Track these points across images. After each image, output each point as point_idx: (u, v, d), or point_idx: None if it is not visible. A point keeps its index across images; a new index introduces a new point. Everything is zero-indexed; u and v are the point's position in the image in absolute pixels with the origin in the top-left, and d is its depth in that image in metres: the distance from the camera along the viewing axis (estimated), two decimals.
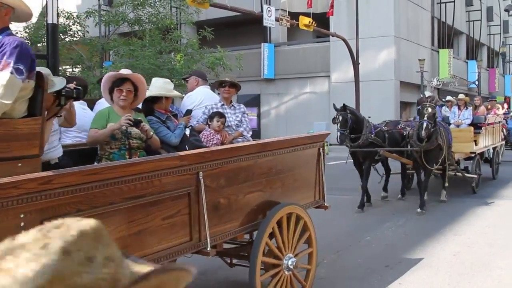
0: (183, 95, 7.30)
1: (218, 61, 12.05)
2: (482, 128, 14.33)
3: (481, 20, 46.23)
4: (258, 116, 38.25)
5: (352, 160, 11.99)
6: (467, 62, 45.79)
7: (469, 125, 14.04)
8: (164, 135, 5.48)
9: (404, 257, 8.08)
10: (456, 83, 39.91)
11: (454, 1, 39.71)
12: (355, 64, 27.71)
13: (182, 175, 4.21)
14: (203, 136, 6.19)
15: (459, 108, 14.45)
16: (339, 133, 11.05)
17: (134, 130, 4.96)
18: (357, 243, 8.80)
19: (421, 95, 14.55)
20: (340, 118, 10.92)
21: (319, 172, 6.25)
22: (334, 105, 11.38)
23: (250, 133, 6.59)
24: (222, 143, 6.09)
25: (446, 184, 12.52)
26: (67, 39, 12.05)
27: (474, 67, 44.25)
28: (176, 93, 6.09)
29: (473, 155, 13.70)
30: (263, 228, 4.98)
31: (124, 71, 5.64)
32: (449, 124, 14.08)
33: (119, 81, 5.18)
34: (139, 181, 3.85)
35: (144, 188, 3.88)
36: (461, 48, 45.99)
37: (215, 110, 6.49)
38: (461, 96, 14.95)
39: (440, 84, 37.84)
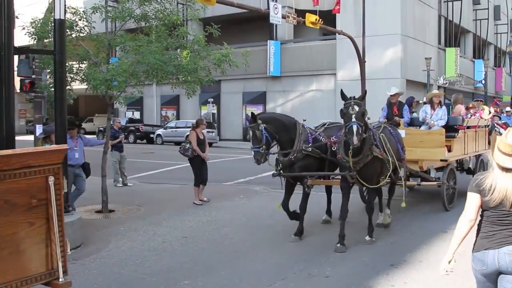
0: None
1: (224, 58, 12.01)
2: (459, 131, 11.79)
3: (488, 19, 46.04)
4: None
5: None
6: (473, 61, 45.63)
7: (444, 127, 11.46)
8: None
9: (409, 256, 8.06)
10: (463, 82, 39.78)
11: (461, 0, 39.54)
12: (361, 62, 27.63)
13: None
14: None
15: (432, 107, 11.78)
16: (253, 152, 8.68)
17: None
18: (362, 242, 8.77)
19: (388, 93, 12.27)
20: (251, 133, 8.67)
21: (50, 221, 3.60)
22: (252, 113, 8.91)
23: None
24: None
25: (388, 212, 10.04)
26: (73, 35, 12.03)
27: (480, 66, 44.08)
28: None
29: (445, 164, 11.31)
30: None
31: None
32: (420, 126, 11.96)
33: None
34: None
35: None
36: (468, 47, 45.82)
37: None
38: (434, 91, 12.33)
39: (446, 83, 37.72)
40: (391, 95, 12.02)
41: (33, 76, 11.94)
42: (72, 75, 11.79)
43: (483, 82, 42.19)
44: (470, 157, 13.17)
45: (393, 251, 8.37)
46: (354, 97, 8.23)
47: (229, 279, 7.03)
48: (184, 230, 9.92)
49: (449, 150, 11.38)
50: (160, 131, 38.23)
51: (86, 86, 11.88)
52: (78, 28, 11.99)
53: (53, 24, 10.02)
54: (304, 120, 9.51)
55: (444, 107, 11.82)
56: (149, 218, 10.94)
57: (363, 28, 28.11)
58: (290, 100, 36.77)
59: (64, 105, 9.44)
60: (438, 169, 11.51)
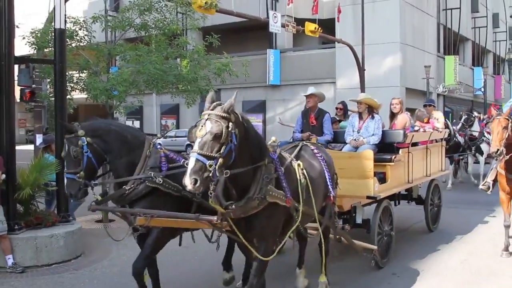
0: None
1: (224, 68, 12.04)
2: (400, 152, 8.45)
3: (487, 26, 46.15)
4: (264, 122, 38.23)
5: None
6: (473, 69, 45.69)
7: (378, 145, 8.30)
8: None
9: (411, 264, 8.03)
10: (462, 90, 39.82)
11: (460, 8, 39.66)
12: (361, 71, 27.65)
13: None
14: None
15: (360, 117, 8.66)
16: (65, 180, 5.68)
17: None
18: (361, 252, 8.73)
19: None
20: (66, 149, 5.69)
21: None
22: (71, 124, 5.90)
23: None
24: None
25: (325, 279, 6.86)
26: (73, 45, 12.08)
27: (480, 73, 44.16)
28: None
29: (373, 200, 7.75)
30: None
31: None
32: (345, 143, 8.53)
33: None
34: None
35: None
36: (467, 54, 45.90)
37: None
38: (361, 94, 9.00)
39: (446, 90, 37.75)
40: (306, 97, 8.78)
41: (33, 86, 11.94)
42: (72, 85, 11.82)
43: (483, 89, 42.28)
44: (421, 183, 9.94)
45: (395, 260, 8.34)
46: (219, 104, 5.13)
47: None
48: (185, 240, 9.87)
49: (383, 180, 8.05)
50: (159, 140, 38.22)
51: (86, 95, 11.90)
52: (78, 38, 12.04)
53: (53, 34, 10.05)
54: (159, 137, 6.68)
55: (377, 118, 8.51)
56: None
57: (362, 36, 28.17)
58: (290, 108, 36.73)
59: (64, 114, 9.45)
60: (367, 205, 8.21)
